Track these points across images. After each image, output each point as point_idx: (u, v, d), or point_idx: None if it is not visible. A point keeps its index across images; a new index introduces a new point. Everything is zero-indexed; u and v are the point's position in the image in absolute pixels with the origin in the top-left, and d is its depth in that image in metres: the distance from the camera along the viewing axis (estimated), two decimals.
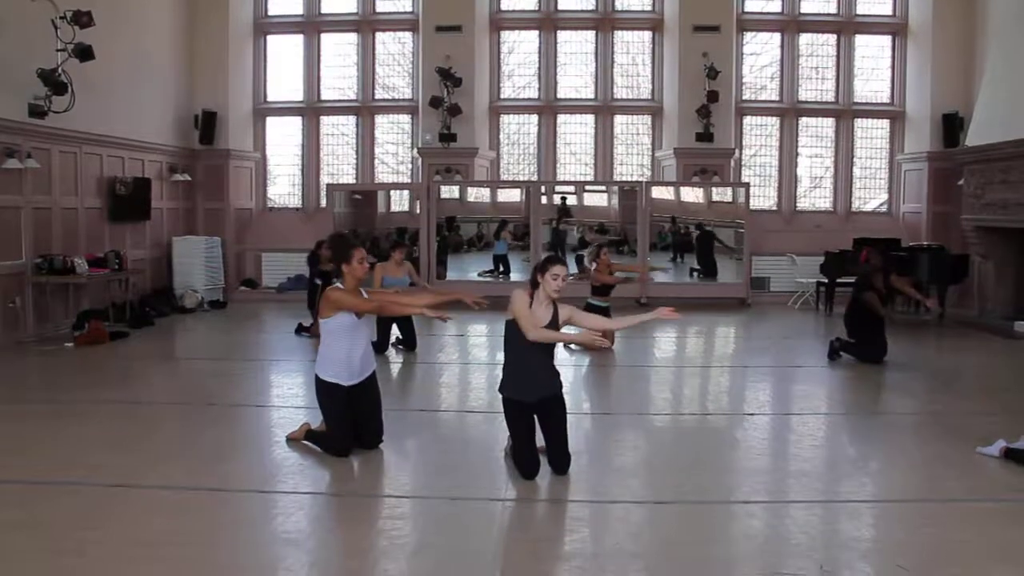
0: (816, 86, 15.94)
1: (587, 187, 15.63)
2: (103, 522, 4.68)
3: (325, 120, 16.30)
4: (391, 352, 9.94)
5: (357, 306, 5.86)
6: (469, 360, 9.72)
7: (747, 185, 14.88)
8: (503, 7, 15.89)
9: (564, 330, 5.56)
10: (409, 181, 16.06)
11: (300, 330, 11.28)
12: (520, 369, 5.46)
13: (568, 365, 9.75)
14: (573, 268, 10.51)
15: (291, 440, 6.24)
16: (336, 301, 5.83)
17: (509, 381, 5.51)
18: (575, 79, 16.16)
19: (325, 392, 5.97)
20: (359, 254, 5.95)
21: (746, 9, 15.60)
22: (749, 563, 4.27)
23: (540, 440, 5.55)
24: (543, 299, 5.47)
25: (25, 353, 10.03)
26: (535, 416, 5.52)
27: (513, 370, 5.50)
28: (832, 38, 15.79)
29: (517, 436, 5.50)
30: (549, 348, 5.53)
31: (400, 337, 10.13)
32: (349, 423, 5.94)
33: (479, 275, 14.92)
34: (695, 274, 14.90)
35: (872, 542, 4.59)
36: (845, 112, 15.79)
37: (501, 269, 14.96)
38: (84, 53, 10.88)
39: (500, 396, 5.58)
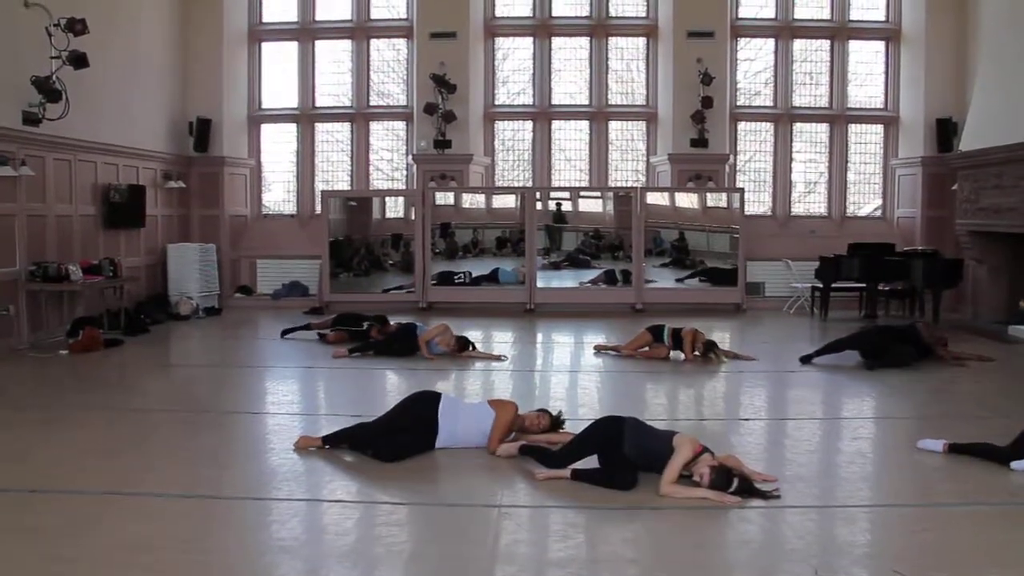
0: (810, 91, 15.97)
1: (582, 193, 15.62)
2: (97, 529, 4.66)
3: (320, 127, 16.29)
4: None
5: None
6: (465, 367, 9.70)
7: (742, 190, 14.93)
8: (497, 14, 15.90)
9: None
10: (404, 187, 16.05)
11: (286, 332, 11.60)
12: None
13: (563, 371, 9.77)
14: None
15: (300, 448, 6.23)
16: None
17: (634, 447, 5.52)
18: (570, 85, 16.18)
19: (425, 399, 6.34)
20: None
21: (740, 15, 15.64)
22: (745, 569, 4.28)
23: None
24: None
25: (19, 361, 10.00)
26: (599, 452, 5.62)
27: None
28: (826, 44, 15.83)
29: (575, 454, 5.64)
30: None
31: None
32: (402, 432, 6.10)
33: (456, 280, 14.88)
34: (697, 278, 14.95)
35: (867, 547, 4.59)
36: (839, 117, 15.83)
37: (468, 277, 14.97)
38: (78, 60, 10.86)
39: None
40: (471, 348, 10.16)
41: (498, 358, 10.08)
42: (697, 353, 9.88)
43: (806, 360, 9.75)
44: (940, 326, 12.07)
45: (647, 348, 10.13)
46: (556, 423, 6.32)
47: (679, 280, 14.85)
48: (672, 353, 10.02)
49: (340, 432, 6.24)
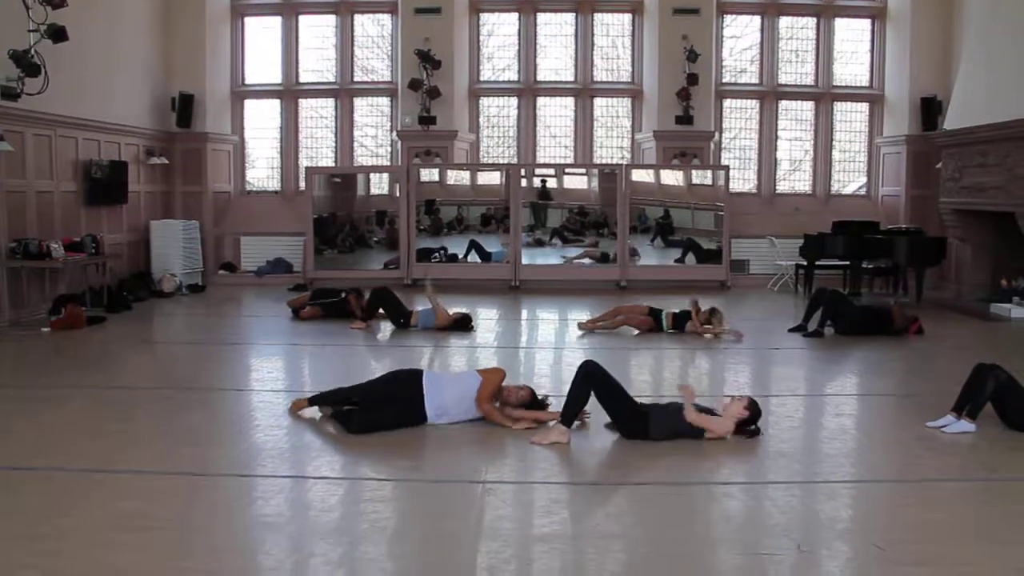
0: (796, 69, 15.96)
1: (567, 170, 15.59)
2: (80, 507, 4.64)
3: (304, 103, 16.16)
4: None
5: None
6: (450, 344, 9.69)
7: (727, 168, 14.92)
8: None
9: None
10: (388, 164, 15.96)
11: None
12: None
13: (547, 348, 9.78)
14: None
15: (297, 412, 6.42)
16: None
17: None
18: (555, 62, 16.10)
19: (407, 376, 6.38)
20: None
21: None
22: (728, 544, 4.31)
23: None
24: None
25: (0, 339, 9.93)
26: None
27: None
28: (812, 21, 15.81)
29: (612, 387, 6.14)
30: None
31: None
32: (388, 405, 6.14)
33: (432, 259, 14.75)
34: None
35: (849, 522, 4.63)
36: (824, 95, 15.83)
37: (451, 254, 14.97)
38: (57, 34, 10.68)
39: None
40: (470, 325, 10.28)
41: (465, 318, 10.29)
42: (701, 320, 9.95)
43: (800, 330, 10.12)
44: (921, 304, 12.19)
45: (623, 317, 10.24)
46: (537, 400, 6.36)
47: (678, 261, 14.87)
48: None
49: (326, 393, 6.44)
